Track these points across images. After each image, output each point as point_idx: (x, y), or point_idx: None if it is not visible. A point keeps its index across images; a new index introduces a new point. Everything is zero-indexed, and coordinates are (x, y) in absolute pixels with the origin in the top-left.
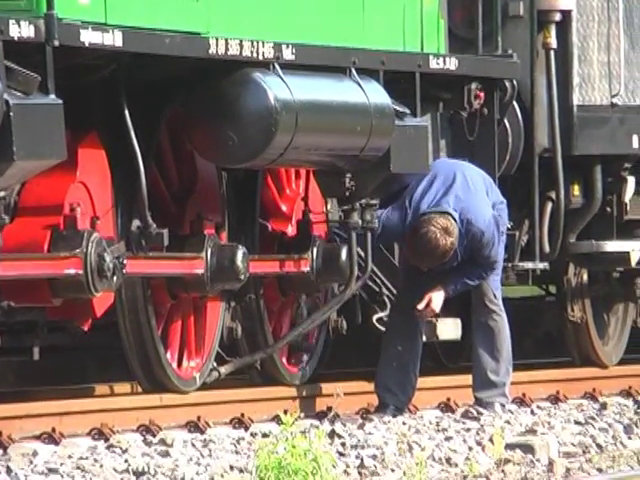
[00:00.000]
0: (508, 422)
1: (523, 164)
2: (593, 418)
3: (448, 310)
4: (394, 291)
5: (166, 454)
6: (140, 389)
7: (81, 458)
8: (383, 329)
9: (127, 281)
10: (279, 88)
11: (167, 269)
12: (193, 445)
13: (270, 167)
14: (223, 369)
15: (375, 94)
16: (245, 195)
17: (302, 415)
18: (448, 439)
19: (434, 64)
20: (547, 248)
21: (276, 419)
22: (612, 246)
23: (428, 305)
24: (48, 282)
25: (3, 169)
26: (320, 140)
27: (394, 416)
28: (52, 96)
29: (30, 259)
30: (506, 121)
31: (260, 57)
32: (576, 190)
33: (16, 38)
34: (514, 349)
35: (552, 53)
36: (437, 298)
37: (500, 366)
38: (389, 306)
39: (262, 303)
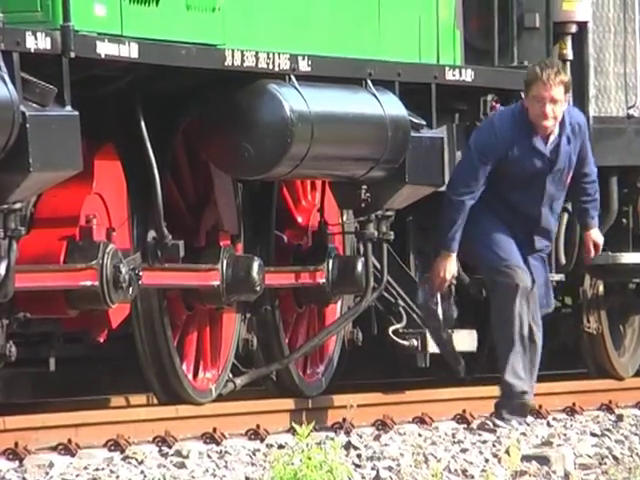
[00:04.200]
0: (524, 434)
1: None
2: (609, 430)
3: (463, 321)
4: (410, 302)
5: (182, 465)
6: (156, 400)
7: (97, 469)
8: (400, 341)
9: (143, 292)
10: (295, 100)
11: (183, 280)
12: (209, 456)
13: (286, 178)
14: (239, 380)
15: (391, 105)
16: (261, 206)
17: (318, 427)
18: (464, 451)
19: (450, 75)
20: (563, 259)
21: (292, 430)
22: (628, 258)
23: (597, 249)
24: (64, 293)
25: (19, 181)
26: (336, 152)
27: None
28: (68, 107)
29: (46, 270)
30: None
31: (276, 69)
32: None
33: (32, 50)
34: None
35: (568, 64)
36: (599, 237)
37: (532, 384)
38: (405, 318)
39: (278, 314)
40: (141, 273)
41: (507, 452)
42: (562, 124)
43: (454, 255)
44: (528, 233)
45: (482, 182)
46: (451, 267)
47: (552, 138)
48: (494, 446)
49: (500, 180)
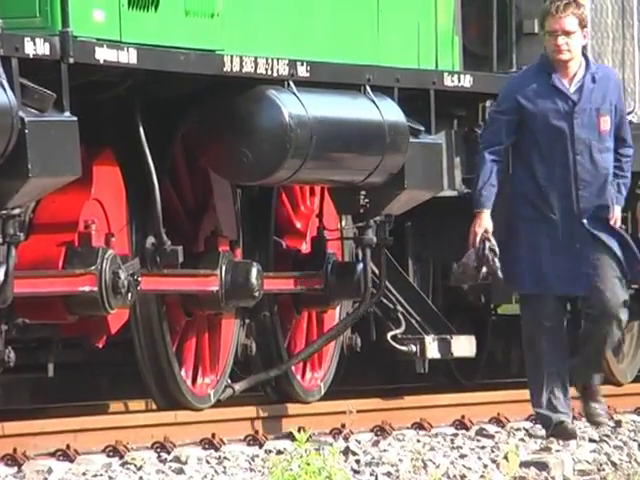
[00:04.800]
0: (523, 440)
1: None
2: (608, 436)
3: (462, 327)
4: (408, 308)
5: (180, 471)
6: (154, 406)
7: (95, 475)
8: (398, 346)
9: (142, 298)
10: (294, 105)
11: (181, 286)
12: (207, 462)
13: (284, 184)
14: (237, 386)
15: (389, 111)
16: (260, 212)
17: (316, 432)
18: (463, 456)
19: (449, 81)
20: None
21: (290, 436)
22: None
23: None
24: (63, 299)
25: (18, 186)
26: (334, 157)
27: (564, 433)
28: (67, 113)
29: (45, 276)
30: None
31: (275, 74)
32: None
33: (31, 55)
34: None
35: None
36: (618, 211)
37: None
38: (403, 323)
39: (277, 320)
40: (140, 279)
41: (506, 458)
42: (587, 66)
43: (485, 211)
44: (568, 198)
45: (503, 135)
46: (482, 222)
47: (576, 79)
48: (493, 452)
49: (529, 135)
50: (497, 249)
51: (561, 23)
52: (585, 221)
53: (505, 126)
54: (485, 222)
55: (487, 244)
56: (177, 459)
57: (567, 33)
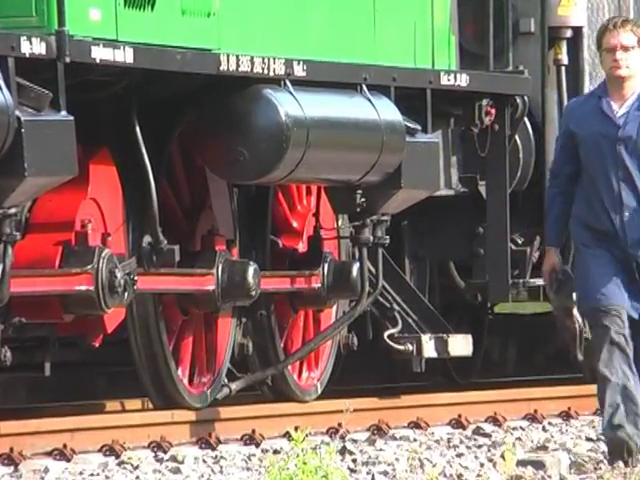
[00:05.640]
0: (519, 439)
1: (534, 180)
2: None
3: (459, 326)
4: (405, 307)
5: (177, 471)
6: (151, 405)
7: (92, 475)
8: (395, 345)
9: (138, 297)
10: (290, 104)
11: (178, 285)
12: (204, 462)
13: (281, 183)
14: (234, 385)
15: (386, 110)
16: (256, 211)
17: (313, 431)
18: (459, 455)
19: (445, 80)
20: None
21: (287, 435)
22: None
23: None
24: (59, 298)
25: (14, 185)
26: (331, 156)
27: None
28: (63, 112)
29: (41, 275)
30: (517, 137)
31: (271, 73)
32: None
33: (27, 55)
34: (525, 365)
35: (563, 69)
36: None
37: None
38: (400, 322)
39: (273, 319)
40: (136, 278)
41: (502, 457)
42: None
43: (551, 249)
44: (615, 223)
45: (562, 162)
46: (548, 260)
47: (627, 104)
48: (489, 451)
49: (582, 160)
50: (567, 271)
51: (619, 38)
52: (630, 249)
53: (562, 152)
54: (551, 259)
55: (557, 276)
56: (174, 458)
57: (625, 48)
